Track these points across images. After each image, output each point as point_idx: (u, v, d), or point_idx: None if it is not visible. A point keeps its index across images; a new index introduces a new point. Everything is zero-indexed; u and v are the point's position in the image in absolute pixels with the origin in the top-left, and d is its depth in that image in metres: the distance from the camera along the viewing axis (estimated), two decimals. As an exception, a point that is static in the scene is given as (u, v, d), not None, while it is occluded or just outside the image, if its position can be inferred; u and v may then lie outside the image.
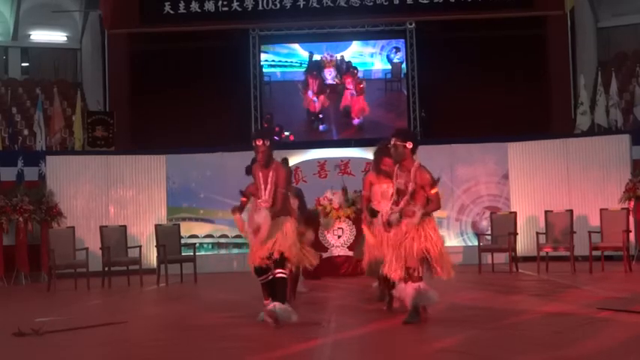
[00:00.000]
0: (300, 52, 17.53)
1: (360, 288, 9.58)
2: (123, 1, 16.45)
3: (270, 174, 6.59)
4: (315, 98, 17.22)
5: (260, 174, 6.64)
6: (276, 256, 6.45)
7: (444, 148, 13.86)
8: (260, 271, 6.64)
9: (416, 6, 16.43)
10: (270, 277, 6.60)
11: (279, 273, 6.50)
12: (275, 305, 6.38)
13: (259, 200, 6.62)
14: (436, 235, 6.39)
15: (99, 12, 17.76)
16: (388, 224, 6.48)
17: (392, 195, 6.64)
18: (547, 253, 11.42)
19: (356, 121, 17.15)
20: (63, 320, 7.42)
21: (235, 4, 16.49)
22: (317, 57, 17.41)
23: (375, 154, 7.42)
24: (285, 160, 9.16)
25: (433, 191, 6.36)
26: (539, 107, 16.65)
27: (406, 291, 6.38)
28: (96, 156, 14.10)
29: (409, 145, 6.43)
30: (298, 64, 17.50)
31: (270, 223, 6.44)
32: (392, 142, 6.52)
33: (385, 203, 6.87)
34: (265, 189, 6.60)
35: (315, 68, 17.34)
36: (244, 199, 6.90)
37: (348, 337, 6.11)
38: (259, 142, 6.56)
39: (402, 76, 17.37)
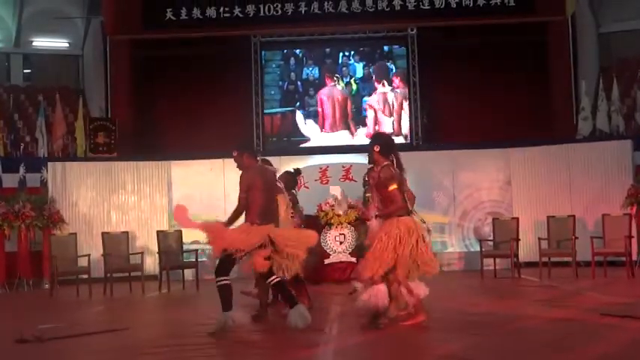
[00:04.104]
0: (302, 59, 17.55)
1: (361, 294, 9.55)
2: (125, 8, 16.45)
3: None
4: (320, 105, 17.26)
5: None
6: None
7: (446, 154, 13.87)
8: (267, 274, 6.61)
9: (417, 12, 16.40)
10: (277, 280, 6.58)
11: (273, 279, 6.55)
12: (298, 307, 6.42)
13: None
14: (407, 237, 6.29)
15: (101, 18, 17.80)
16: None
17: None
18: (549, 258, 11.42)
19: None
20: (65, 327, 7.42)
21: (237, 11, 16.48)
22: (319, 64, 17.44)
23: None
24: (297, 170, 9.06)
25: (390, 188, 6.34)
26: (541, 113, 16.62)
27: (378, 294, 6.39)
28: (98, 162, 14.09)
29: (376, 148, 6.53)
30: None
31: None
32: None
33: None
34: None
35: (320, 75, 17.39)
36: None
37: (350, 343, 6.11)
38: (233, 154, 6.73)
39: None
